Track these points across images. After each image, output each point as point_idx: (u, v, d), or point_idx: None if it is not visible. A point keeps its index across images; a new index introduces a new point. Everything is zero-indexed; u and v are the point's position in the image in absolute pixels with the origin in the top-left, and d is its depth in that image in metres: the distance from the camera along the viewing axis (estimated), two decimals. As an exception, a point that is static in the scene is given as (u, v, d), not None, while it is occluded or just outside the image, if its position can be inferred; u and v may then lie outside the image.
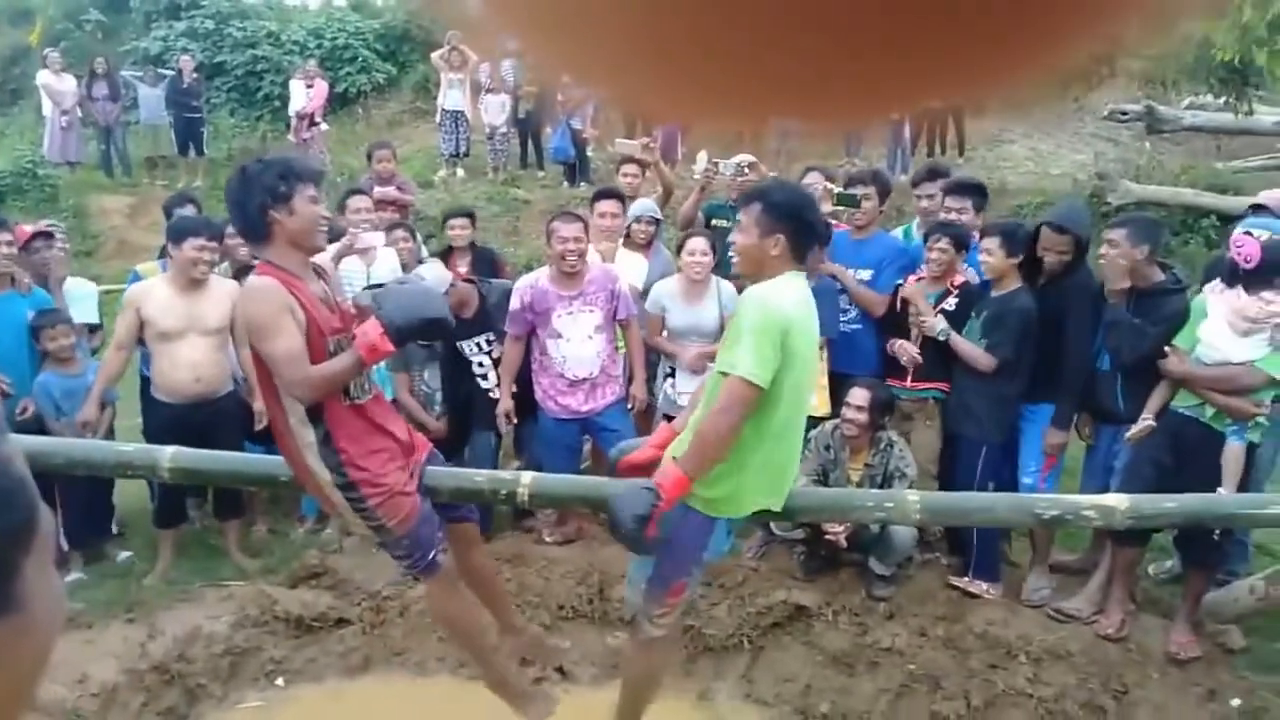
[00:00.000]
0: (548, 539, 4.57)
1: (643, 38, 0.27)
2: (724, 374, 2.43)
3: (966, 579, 4.14)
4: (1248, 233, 3.52)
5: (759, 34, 0.25)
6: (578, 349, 4.21)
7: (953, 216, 4.37)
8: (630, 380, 4.49)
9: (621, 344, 4.45)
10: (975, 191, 4.46)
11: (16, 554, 0.57)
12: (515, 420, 4.42)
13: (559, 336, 4.21)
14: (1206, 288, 3.74)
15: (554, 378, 4.27)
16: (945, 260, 4.14)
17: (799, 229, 2.47)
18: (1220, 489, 3.40)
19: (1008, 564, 4.34)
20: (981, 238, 4.11)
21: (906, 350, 4.19)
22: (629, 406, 4.43)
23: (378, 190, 6.41)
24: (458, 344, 4.42)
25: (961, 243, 4.16)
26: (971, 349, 4.00)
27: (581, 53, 0.29)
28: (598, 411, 4.28)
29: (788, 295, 2.48)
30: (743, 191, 2.49)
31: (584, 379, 4.24)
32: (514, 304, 4.23)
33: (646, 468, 2.60)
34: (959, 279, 4.17)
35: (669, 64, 0.27)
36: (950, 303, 4.15)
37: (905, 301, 4.24)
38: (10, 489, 0.57)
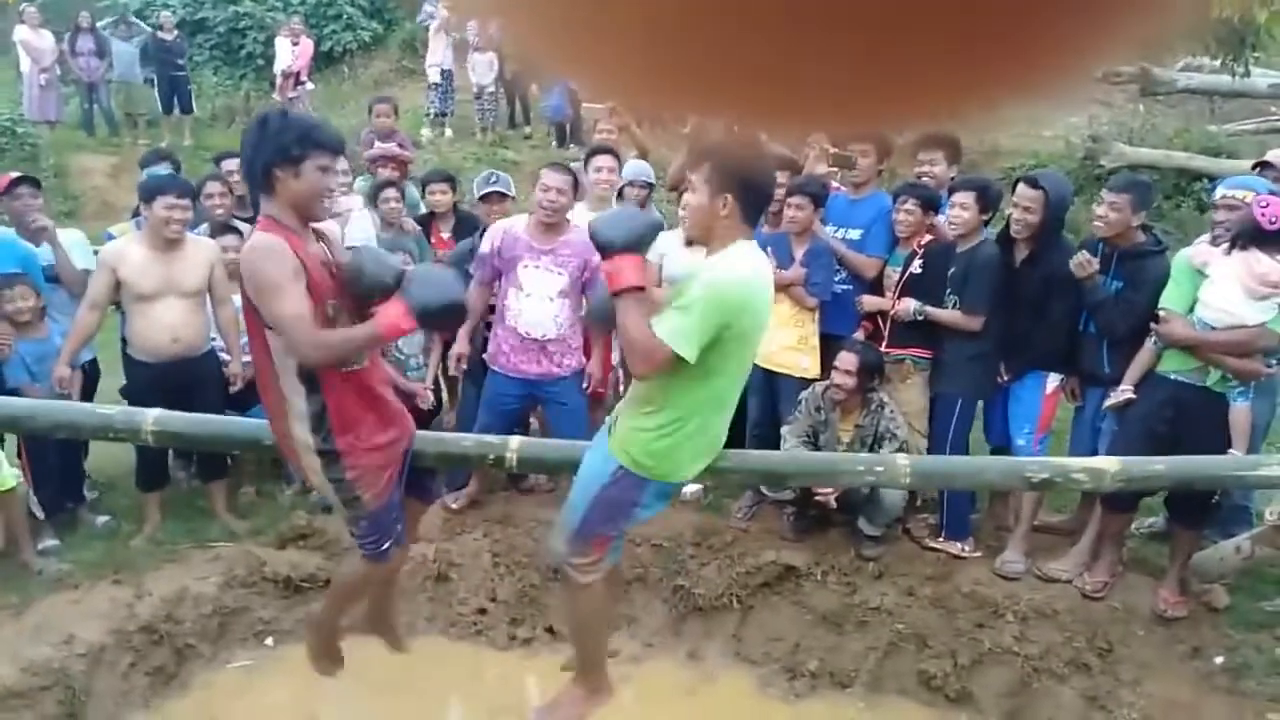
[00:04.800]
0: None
1: (646, 38, 0.26)
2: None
3: (940, 539, 4.16)
4: (1274, 193, 3.48)
5: (773, 37, 0.25)
6: (535, 306, 4.04)
7: (925, 169, 4.33)
8: (591, 358, 4.32)
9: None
10: (947, 145, 4.39)
11: None
12: (465, 366, 4.31)
13: (519, 288, 4.05)
14: (1194, 248, 3.70)
15: (508, 331, 4.10)
16: (912, 222, 4.08)
17: (748, 191, 2.40)
18: (1232, 451, 3.39)
19: (997, 528, 4.36)
20: (952, 193, 4.06)
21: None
22: (584, 385, 4.27)
23: (378, 145, 6.26)
24: None
25: (930, 204, 4.10)
26: (951, 316, 3.98)
27: (583, 52, 0.28)
28: (550, 380, 4.13)
29: (743, 274, 2.40)
30: (692, 152, 2.41)
31: (536, 340, 4.07)
32: (484, 247, 4.13)
33: None
34: (925, 238, 4.11)
35: (676, 66, 0.26)
36: (916, 265, 4.10)
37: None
38: None
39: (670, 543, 4.25)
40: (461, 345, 4.26)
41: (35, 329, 4.07)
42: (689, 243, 2.59)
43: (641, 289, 2.37)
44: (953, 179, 4.39)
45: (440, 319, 2.41)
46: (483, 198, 4.65)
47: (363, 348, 2.41)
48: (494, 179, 4.71)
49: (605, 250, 2.36)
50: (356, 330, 2.37)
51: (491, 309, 4.28)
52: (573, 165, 4.57)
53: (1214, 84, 9.82)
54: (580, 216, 4.46)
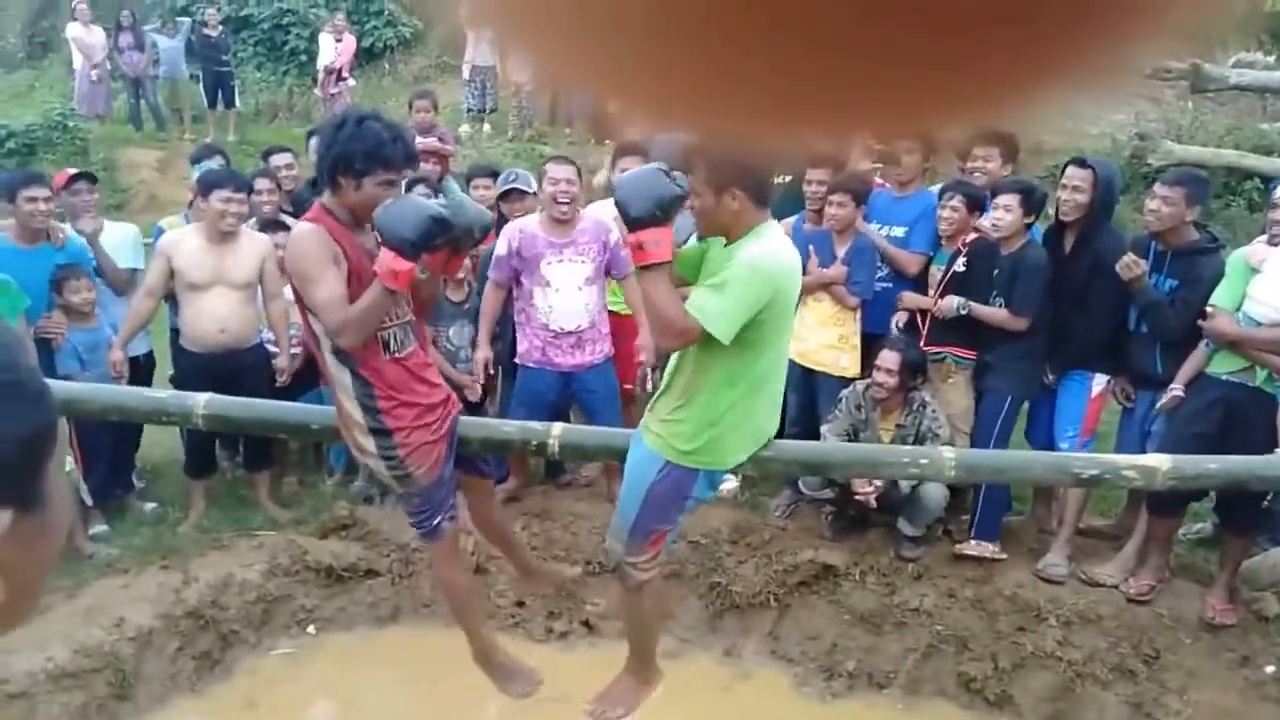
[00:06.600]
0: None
1: (650, 45, 0.25)
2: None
3: (971, 543, 4.07)
4: None
5: (800, 37, 0.23)
6: (566, 300, 4.05)
7: (978, 164, 4.26)
8: (622, 337, 4.30)
9: (615, 300, 4.31)
10: (1003, 141, 4.31)
11: (45, 454, 0.59)
12: (493, 371, 4.32)
13: (547, 285, 4.04)
14: (1251, 247, 3.63)
15: (538, 329, 4.10)
16: (956, 220, 4.02)
17: (751, 175, 2.36)
18: (1278, 451, 3.32)
19: (1040, 531, 4.30)
20: (995, 194, 4.00)
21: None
22: (639, 358, 4.26)
23: (418, 141, 6.32)
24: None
25: (975, 202, 4.04)
26: (995, 313, 3.93)
27: (582, 59, 0.27)
28: (583, 369, 4.14)
29: (779, 252, 2.41)
30: (680, 159, 2.35)
31: (570, 332, 4.08)
32: (500, 249, 4.11)
33: None
34: (970, 237, 4.05)
35: (679, 74, 0.25)
36: (960, 264, 4.04)
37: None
38: (42, 391, 0.59)
39: (707, 539, 4.25)
40: (483, 350, 4.24)
41: (87, 319, 4.17)
42: (701, 238, 2.55)
43: (669, 262, 2.35)
44: (1006, 177, 4.33)
45: (427, 242, 2.34)
46: (502, 196, 4.62)
47: (380, 306, 2.38)
48: (513, 177, 4.69)
49: (633, 224, 2.29)
50: (367, 294, 2.37)
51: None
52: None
53: (1266, 81, 9.58)
54: (606, 211, 4.43)
